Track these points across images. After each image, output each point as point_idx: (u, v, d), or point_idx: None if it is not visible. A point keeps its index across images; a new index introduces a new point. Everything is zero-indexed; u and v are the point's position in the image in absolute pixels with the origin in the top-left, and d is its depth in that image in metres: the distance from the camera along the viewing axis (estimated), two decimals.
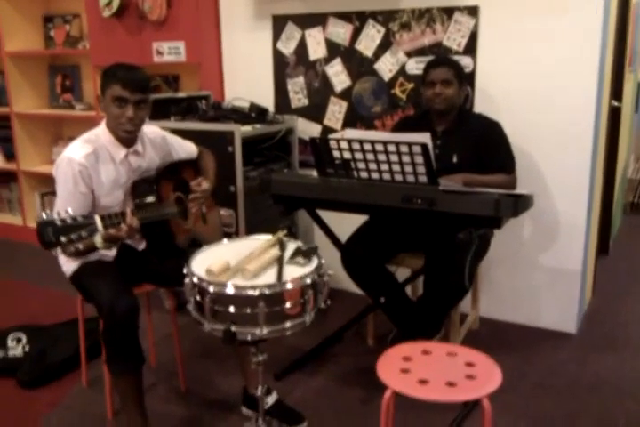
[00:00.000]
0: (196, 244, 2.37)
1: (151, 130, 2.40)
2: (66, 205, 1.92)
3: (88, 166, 2.14)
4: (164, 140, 2.43)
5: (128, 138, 2.23)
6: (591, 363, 2.78)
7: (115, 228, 1.90)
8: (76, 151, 2.14)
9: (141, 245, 2.42)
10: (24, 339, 2.81)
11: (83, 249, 2.01)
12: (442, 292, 2.57)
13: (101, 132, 2.23)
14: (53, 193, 4.45)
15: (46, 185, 4.59)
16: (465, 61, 2.94)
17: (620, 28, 3.28)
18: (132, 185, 2.25)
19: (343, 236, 2.73)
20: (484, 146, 2.67)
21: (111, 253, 2.30)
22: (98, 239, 1.88)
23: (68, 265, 2.27)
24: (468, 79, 2.89)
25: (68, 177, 2.11)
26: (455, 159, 2.67)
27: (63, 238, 1.72)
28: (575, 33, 2.74)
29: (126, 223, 1.93)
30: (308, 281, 1.76)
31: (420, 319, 2.71)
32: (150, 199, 2.23)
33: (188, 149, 2.54)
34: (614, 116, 3.62)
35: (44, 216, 1.72)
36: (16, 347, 2.77)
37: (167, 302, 3.11)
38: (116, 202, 2.24)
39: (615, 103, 3.57)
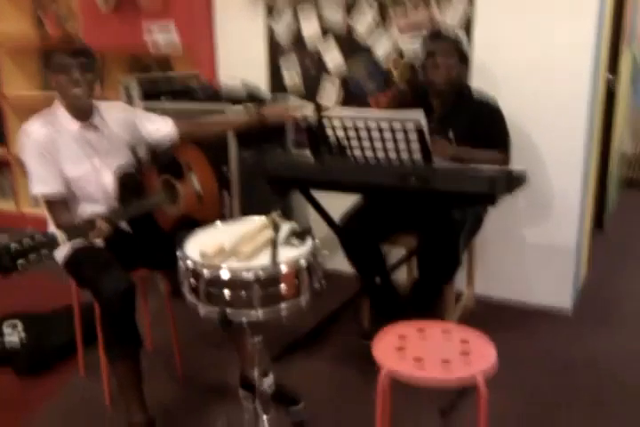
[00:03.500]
0: (191, 223, 2.33)
1: (111, 104, 2.40)
2: (40, 180, 2.13)
3: (45, 135, 2.19)
4: (126, 111, 2.43)
5: (80, 109, 2.25)
6: (586, 339, 2.79)
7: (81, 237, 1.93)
8: (31, 123, 2.23)
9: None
10: (20, 326, 2.80)
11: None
12: (436, 268, 2.56)
13: (54, 107, 2.28)
14: None
15: None
16: (460, 36, 2.89)
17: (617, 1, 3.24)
18: (115, 183, 2.25)
19: (338, 217, 2.71)
20: (481, 122, 2.64)
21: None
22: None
23: (60, 252, 2.25)
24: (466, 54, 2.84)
25: (32, 148, 2.18)
26: (450, 134, 2.64)
27: (21, 261, 1.72)
28: (572, 6, 2.70)
29: (94, 231, 1.94)
30: (303, 262, 1.75)
31: (417, 297, 2.71)
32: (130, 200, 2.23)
33: (158, 123, 2.46)
34: (610, 89, 3.59)
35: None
36: (12, 333, 2.76)
37: (162, 286, 3.10)
38: (87, 175, 2.26)
39: (610, 76, 3.54)
